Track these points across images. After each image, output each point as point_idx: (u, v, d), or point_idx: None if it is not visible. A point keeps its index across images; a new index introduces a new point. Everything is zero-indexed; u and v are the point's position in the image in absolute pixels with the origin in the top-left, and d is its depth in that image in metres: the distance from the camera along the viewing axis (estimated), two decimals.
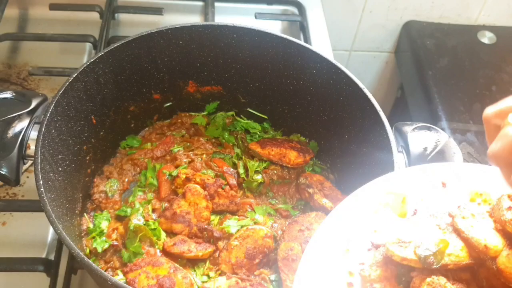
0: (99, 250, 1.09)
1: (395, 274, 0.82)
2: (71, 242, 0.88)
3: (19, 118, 1.02)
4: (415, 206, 0.88)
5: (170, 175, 1.22)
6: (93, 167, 1.21)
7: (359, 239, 0.84)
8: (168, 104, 1.33)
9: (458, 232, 0.82)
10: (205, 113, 1.37)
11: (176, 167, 1.23)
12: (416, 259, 0.78)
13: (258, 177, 1.23)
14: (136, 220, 1.12)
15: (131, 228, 1.10)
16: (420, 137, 1.06)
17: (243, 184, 1.23)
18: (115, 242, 1.11)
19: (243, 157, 1.27)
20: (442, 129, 1.39)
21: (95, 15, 1.67)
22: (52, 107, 1.01)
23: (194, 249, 1.09)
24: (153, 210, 1.17)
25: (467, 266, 0.79)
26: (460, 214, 0.84)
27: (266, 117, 1.35)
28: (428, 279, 0.77)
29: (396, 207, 0.88)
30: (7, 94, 1.06)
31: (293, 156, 1.24)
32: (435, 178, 0.90)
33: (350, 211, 0.85)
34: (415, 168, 0.90)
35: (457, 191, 0.89)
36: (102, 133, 1.21)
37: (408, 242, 0.82)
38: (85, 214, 1.17)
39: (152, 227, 1.12)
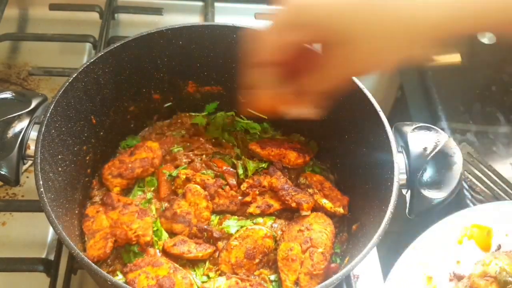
0: None
1: None
2: (71, 242, 0.88)
3: (19, 118, 1.02)
4: (500, 241, 0.88)
5: (170, 175, 1.21)
6: (93, 167, 1.21)
7: (442, 267, 0.84)
8: (168, 104, 1.33)
9: None
10: (205, 113, 1.37)
11: (176, 167, 1.23)
12: None
13: None
14: None
15: None
16: (420, 137, 1.06)
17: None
18: None
19: (243, 157, 1.27)
20: (442, 129, 1.39)
21: (95, 15, 1.67)
22: (52, 107, 1.01)
23: (194, 249, 1.09)
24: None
25: None
26: None
27: (266, 117, 1.35)
28: None
29: (480, 240, 0.88)
30: (7, 94, 1.06)
31: (293, 157, 1.24)
32: None
33: (434, 239, 0.84)
34: (502, 203, 0.90)
35: None
36: (102, 133, 1.21)
37: (494, 277, 0.81)
38: None
39: (154, 228, 1.12)
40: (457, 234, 0.86)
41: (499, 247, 0.88)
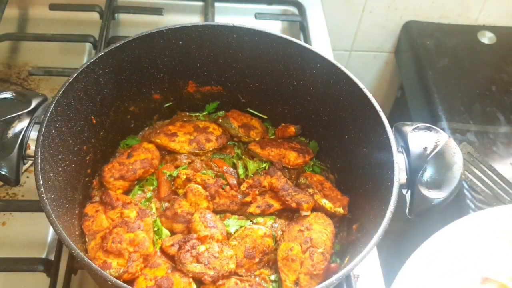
0: None
1: None
2: (71, 242, 0.88)
3: (19, 118, 1.02)
4: None
5: (170, 175, 1.21)
6: (93, 167, 1.21)
7: (468, 267, 0.80)
8: (168, 104, 1.33)
9: None
10: (205, 113, 1.37)
11: (176, 167, 1.23)
12: None
13: None
14: None
15: None
16: (420, 137, 1.05)
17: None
18: None
19: (243, 157, 1.27)
20: (442, 129, 1.39)
21: (95, 15, 1.67)
22: (52, 107, 1.01)
23: None
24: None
25: None
26: None
27: (266, 117, 1.35)
28: None
29: None
30: (7, 94, 1.06)
31: (292, 157, 1.24)
32: None
33: (458, 235, 0.81)
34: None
35: None
36: (102, 133, 1.21)
37: None
38: None
39: (155, 228, 1.12)
40: (485, 230, 0.83)
41: None
